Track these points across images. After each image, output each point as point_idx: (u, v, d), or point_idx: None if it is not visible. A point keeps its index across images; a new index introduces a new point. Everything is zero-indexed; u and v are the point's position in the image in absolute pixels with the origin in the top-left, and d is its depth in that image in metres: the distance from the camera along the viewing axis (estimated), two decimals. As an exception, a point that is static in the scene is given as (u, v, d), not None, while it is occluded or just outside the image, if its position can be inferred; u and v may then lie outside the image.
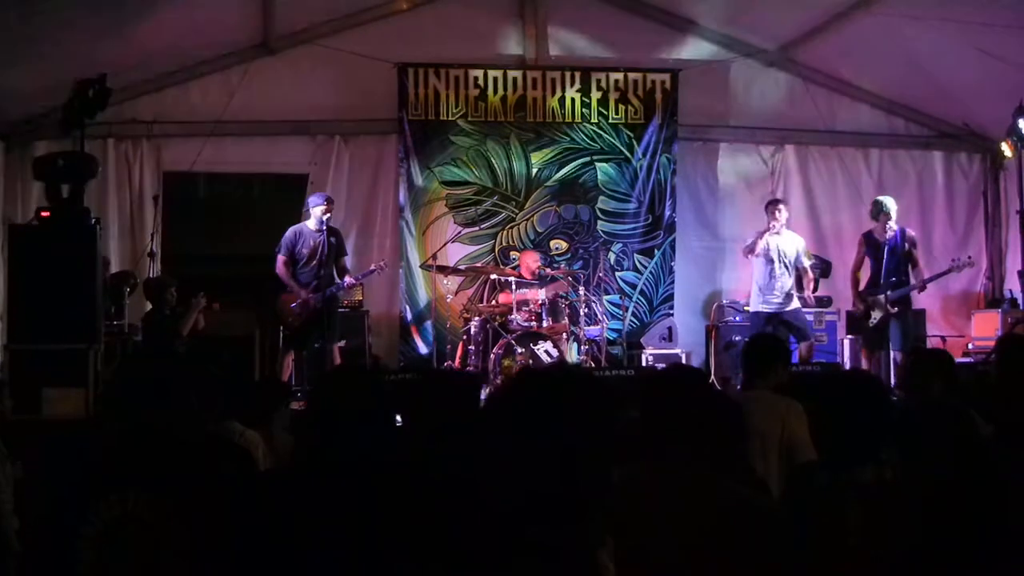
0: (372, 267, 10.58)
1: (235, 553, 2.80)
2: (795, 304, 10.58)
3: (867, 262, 10.62)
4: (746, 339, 7.91)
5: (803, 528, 3.04)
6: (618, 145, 12.19)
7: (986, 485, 3.06)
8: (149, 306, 10.14)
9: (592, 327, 11.35)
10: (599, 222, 12.17)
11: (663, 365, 11.04)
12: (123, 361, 5.13)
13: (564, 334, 11.03)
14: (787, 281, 10.54)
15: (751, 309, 10.86)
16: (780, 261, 10.50)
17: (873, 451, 3.21)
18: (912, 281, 10.40)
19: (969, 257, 10.70)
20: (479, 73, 12.01)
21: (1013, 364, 5.15)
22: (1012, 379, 5.06)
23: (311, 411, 3.17)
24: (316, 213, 10.00)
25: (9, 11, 8.46)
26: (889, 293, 10.21)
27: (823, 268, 11.88)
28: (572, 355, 11.01)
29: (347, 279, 10.21)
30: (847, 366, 11.05)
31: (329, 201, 10.15)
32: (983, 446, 3.17)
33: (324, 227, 9.98)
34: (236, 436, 4.98)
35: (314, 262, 9.97)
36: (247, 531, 2.80)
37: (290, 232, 10.12)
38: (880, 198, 10.58)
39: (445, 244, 11.49)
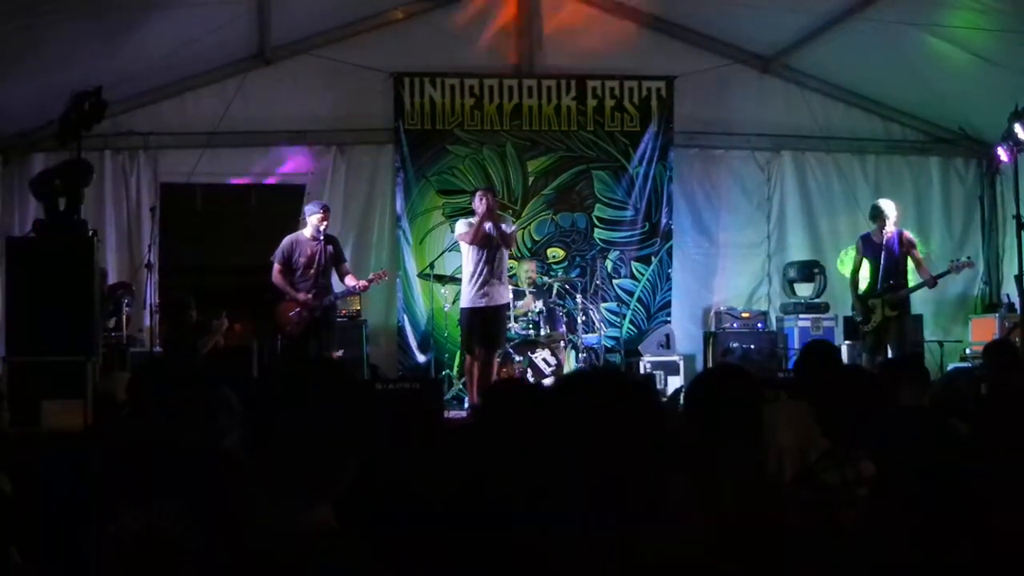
0: (372, 276, 10.51)
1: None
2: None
3: (865, 266, 10.57)
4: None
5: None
6: (614, 153, 12.20)
7: (963, 491, 3.07)
8: (147, 318, 10.17)
9: (590, 335, 11.36)
10: (596, 230, 12.18)
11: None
12: (141, 378, 5.13)
13: (562, 342, 11.04)
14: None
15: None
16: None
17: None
18: (912, 283, 10.35)
19: (968, 258, 10.69)
20: (475, 82, 12.02)
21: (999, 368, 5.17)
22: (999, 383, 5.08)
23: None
24: (312, 222, 9.92)
25: (5, 24, 8.46)
26: (889, 296, 10.16)
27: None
28: (570, 363, 11.02)
29: (353, 282, 10.03)
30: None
31: (325, 209, 10.05)
32: (960, 450, 3.18)
33: (321, 235, 9.91)
34: None
35: (312, 270, 9.88)
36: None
37: (286, 241, 10.02)
38: (878, 201, 10.54)
39: (443, 253, 11.49)
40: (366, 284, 10.16)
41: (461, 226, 9.88)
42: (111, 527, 2.95)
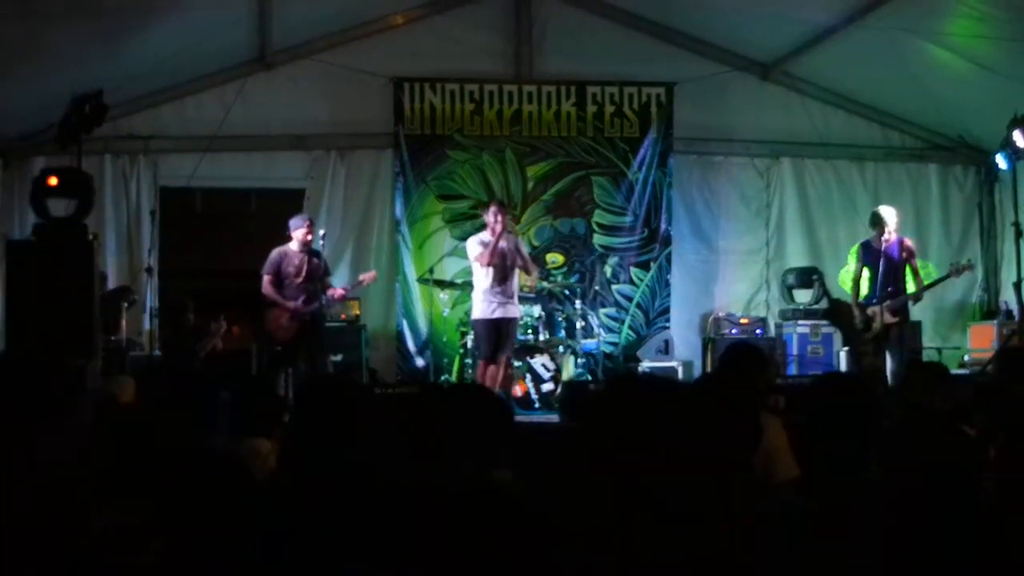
0: (360, 278, 10.53)
1: (226, 566, 2.79)
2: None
3: (865, 273, 10.55)
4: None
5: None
6: (614, 159, 12.20)
7: (969, 488, 3.08)
8: (147, 321, 10.17)
9: (589, 340, 11.36)
10: (595, 235, 12.17)
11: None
12: (143, 379, 5.16)
13: (560, 348, 11.05)
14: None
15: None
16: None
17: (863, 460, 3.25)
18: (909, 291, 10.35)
19: (968, 260, 10.71)
20: (475, 87, 12.03)
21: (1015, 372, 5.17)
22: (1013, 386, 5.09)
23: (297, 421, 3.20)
24: (298, 236, 9.91)
25: (6, 27, 8.48)
26: (889, 303, 10.15)
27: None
28: (569, 369, 11.02)
29: (331, 291, 10.11)
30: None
31: (310, 223, 10.07)
32: (966, 451, 3.18)
33: (307, 248, 9.92)
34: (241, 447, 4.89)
35: (300, 279, 9.90)
36: (238, 543, 2.79)
37: (275, 253, 10.00)
38: (878, 208, 10.53)
39: (442, 258, 11.50)
40: (341, 292, 10.19)
41: (474, 247, 9.81)
42: (95, 525, 2.96)
